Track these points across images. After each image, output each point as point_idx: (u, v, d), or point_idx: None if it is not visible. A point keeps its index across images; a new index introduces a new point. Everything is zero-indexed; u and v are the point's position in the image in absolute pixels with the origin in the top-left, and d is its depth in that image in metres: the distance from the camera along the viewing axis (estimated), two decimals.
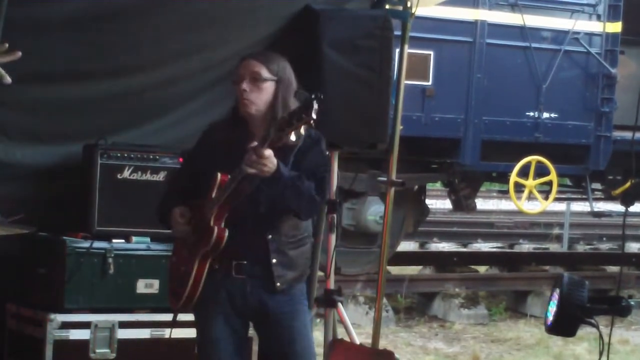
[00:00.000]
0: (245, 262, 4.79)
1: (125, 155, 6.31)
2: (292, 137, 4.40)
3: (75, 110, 6.33)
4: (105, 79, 6.32)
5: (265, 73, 4.82)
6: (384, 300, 9.27)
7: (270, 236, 4.78)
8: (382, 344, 7.10)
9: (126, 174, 6.31)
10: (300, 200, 4.70)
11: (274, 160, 4.51)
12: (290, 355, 4.88)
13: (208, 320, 4.93)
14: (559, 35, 13.49)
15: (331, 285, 6.71)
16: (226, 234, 4.70)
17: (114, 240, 6.22)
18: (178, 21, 6.22)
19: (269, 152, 4.47)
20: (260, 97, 4.81)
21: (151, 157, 6.37)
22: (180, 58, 6.43)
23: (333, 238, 6.69)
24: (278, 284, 4.78)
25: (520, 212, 14.64)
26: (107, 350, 6.06)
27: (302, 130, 4.39)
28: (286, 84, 4.89)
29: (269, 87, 4.83)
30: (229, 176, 4.69)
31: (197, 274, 4.77)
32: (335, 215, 6.73)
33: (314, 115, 4.31)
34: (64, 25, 5.97)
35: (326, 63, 6.49)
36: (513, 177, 13.27)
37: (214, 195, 4.73)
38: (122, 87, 6.38)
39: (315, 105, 4.31)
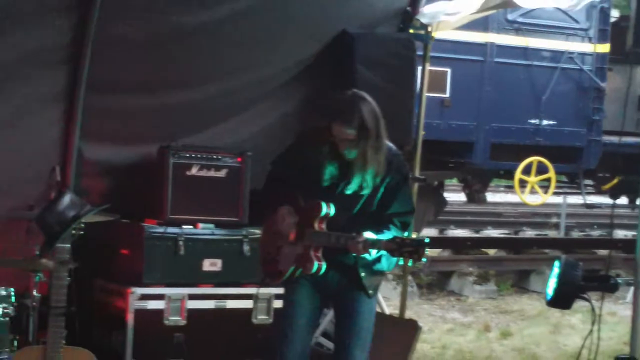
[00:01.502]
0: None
1: (193, 155, 6.31)
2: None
3: (151, 116, 6.35)
4: (176, 91, 6.34)
5: (348, 131, 4.43)
6: (409, 277, 9.28)
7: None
8: (408, 314, 7.09)
9: (194, 170, 6.31)
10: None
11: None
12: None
13: (294, 292, 4.73)
14: (556, 55, 13.44)
15: None
16: (323, 269, 4.51)
17: (183, 226, 6.21)
18: (236, 42, 6.24)
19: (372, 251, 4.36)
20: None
21: (214, 156, 6.36)
22: (238, 73, 6.43)
23: None
24: (370, 291, 4.63)
25: (523, 204, 14.58)
26: (179, 318, 6.07)
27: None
28: (372, 130, 4.47)
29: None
30: (333, 210, 4.49)
31: (289, 275, 4.63)
32: None
33: (424, 260, 4.21)
34: (145, 43, 6.00)
35: (358, 78, 6.50)
36: (517, 174, 13.25)
37: (316, 225, 4.51)
38: (191, 98, 6.39)
39: (427, 252, 4.18)
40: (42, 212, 5.04)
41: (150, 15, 5.87)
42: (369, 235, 4.35)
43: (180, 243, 6.16)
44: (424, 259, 4.22)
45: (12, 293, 5.06)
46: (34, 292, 5.23)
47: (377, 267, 4.55)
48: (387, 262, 4.51)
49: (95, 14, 5.69)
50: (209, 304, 6.19)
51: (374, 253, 4.39)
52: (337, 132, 4.46)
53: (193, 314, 6.11)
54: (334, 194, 4.54)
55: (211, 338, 6.13)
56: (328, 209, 4.50)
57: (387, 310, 6.98)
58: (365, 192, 4.53)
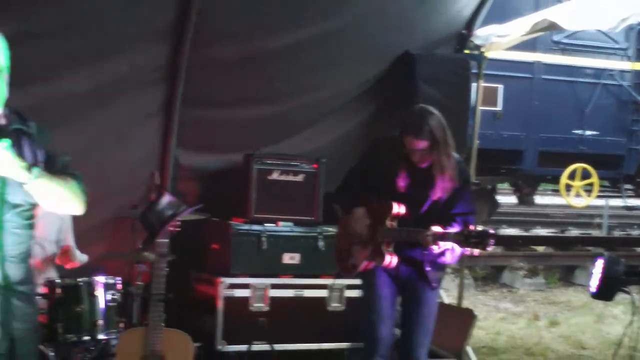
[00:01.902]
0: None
1: (274, 161, 6.34)
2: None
3: (238, 128, 6.38)
4: (260, 105, 6.37)
5: (421, 143, 4.42)
6: (466, 271, 9.22)
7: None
8: (465, 303, 7.05)
9: (275, 175, 6.34)
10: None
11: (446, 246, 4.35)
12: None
13: (373, 280, 4.68)
14: (598, 72, 13.28)
15: None
16: (394, 263, 4.50)
17: (266, 224, 6.24)
18: (313, 62, 6.26)
19: (442, 244, 4.31)
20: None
21: (293, 163, 6.39)
22: (314, 90, 6.44)
23: None
24: (434, 284, 4.62)
25: (569, 206, 14.37)
26: (262, 305, 6.10)
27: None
28: (441, 138, 4.47)
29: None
30: (403, 209, 4.47)
31: (363, 268, 4.63)
32: None
33: (489, 249, 4.19)
34: (233, 64, 6.04)
35: (420, 93, 6.47)
36: (563, 179, 13.09)
37: (388, 222, 4.49)
38: (273, 111, 6.41)
39: (492, 242, 4.13)
40: (144, 211, 5.13)
41: (238, 40, 5.91)
42: (437, 228, 4.34)
43: (263, 239, 6.20)
44: (488, 248, 4.18)
45: (119, 282, 5.13)
46: (138, 281, 5.32)
47: (442, 260, 4.53)
48: (451, 256, 4.48)
49: (189, 38, 5.77)
50: (289, 293, 6.22)
51: (440, 247, 4.35)
52: (409, 144, 4.46)
53: (275, 301, 6.14)
54: (405, 196, 4.53)
55: (290, 322, 6.14)
56: (399, 209, 4.48)
57: (447, 300, 6.95)
58: (443, 196, 4.52)
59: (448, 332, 6.12)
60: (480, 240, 4.13)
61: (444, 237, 4.29)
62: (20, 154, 3.02)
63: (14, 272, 3.08)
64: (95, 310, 4.90)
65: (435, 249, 4.35)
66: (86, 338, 4.85)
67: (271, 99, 6.38)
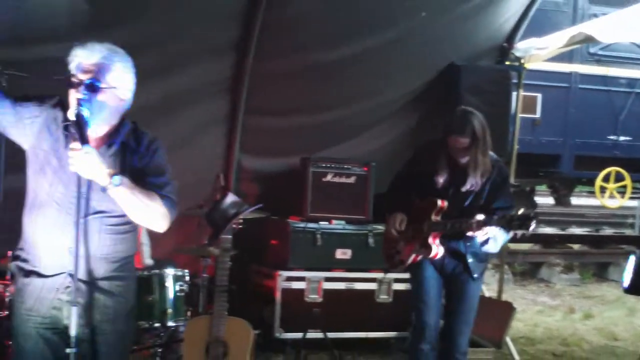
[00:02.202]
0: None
1: (328, 165, 6.36)
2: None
3: (295, 134, 6.42)
4: (316, 113, 6.38)
5: (464, 140, 4.40)
6: (506, 266, 9.11)
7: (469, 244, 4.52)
8: (504, 297, 6.97)
9: (329, 177, 6.36)
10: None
11: (490, 233, 4.25)
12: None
13: (420, 273, 4.65)
14: (632, 82, 12.95)
15: None
16: (441, 253, 4.48)
17: (320, 222, 6.28)
18: (365, 73, 6.24)
19: (487, 229, 4.21)
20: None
21: (345, 166, 6.40)
22: (365, 98, 6.43)
23: None
24: (475, 274, 4.56)
25: (603, 207, 14.12)
26: (317, 296, 6.13)
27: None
28: (482, 136, 4.44)
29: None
30: (446, 204, 4.43)
31: (411, 262, 4.60)
32: None
33: (530, 230, 4.07)
34: (291, 75, 6.08)
35: (463, 102, 6.36)
36: (598, 182, 12.85)
37: (433, 217, 4.47)
38: (327, 119, 6.43)
39: (534, 224, 4.03)
40: (209, 210, 5.13)
41: (296, 53, 5.94)
42: (480, 216, 4.29)
43: (318, 236, 6.22)
44: (530, 229, 4.07)
45: (187, 274, 5.18)
46: (204, 274, 5.36)
47: (485, 249, 4.42)
48: (494, 245, 4.37)
49: (251, 53, 5.81)
50: (341, 285, 6.23)
51: (484, 232, 4.26)
52: (452, 142, 4.43)
53: (328, 293, 6.16)
54: (448, 193, 4.51)
55: (342, 313, 6.16)
56: (442, 204, 4.46)
57: (488, 294, 6.88)
58: (475, 189, 4.49)
59: (489, 323, 6.08)
60: (522, 222, 4.05)
61: (487, 222, 4.23)
62: (114, 163, 3.05)
63: (98, 269, 3.10)
64: (165, 300, 4.97)
65: (480, 235, 4.27)
66: (157, 325, 4.91)
67: (326, 108, 6.39)
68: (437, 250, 4.47)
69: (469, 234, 4.35)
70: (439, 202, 4.47)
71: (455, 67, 6.55)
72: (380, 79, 6.27)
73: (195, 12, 5.33)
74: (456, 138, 4.42)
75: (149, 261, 5.52)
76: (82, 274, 3.05)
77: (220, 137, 6.25)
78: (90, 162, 2.90)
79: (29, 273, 3.14)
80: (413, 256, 4.57)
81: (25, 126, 3.10)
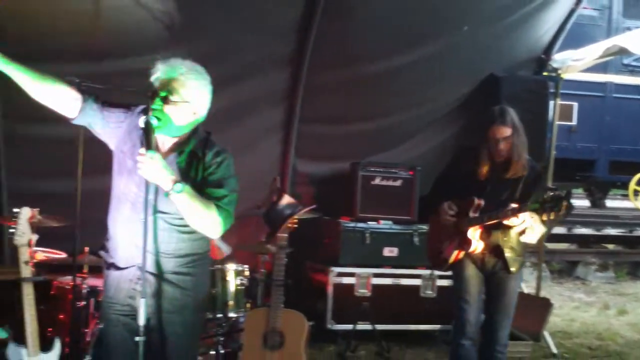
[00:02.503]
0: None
1: (376, 169, 6.35)
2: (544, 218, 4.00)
3: (346, 140, 6.43)
4: (365, 121, 6.38)
5: (507, 130, 4.34)
6: (544, 265, 9.00)
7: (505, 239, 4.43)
8: (542, 293, 6.86)
9: (377, 180, 6.34)
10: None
11: (525, 220, 4.13)
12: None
13: (462, 271, 4.57)
14: None
15: None
16: (480, 248, 4.40)
17: (369, 222, 6.26)
18: (412, 83, 6.24)
19: (522, 216, 4.08)
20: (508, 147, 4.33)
21: (392, 170, 6.38)
22: (411, 107, 6.42)
23: None
24: (512, 268, 4.45)
25: (636, 209, 13.84)
26: (366, 291, 6.11)
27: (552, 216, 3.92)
28: (520, 129, 4.40)
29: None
30: (483, 201, 4.33)
31: (454, 259, 4.52)
32: None
33: (563, 211, 3.88)
34: (342, 86, 6.08)
35: None
36: (632, 186, 12.65)
37: (471, 214, 4.38)
38: (376, 126, 6.43)
39: (566, 204, 3.85)
40: (267, 210, 5.17)
41: (347, 65, 5.96)
42: (514, 204, 4.20)
43: (367, 235, 6.21)
44: (565, 210, 3.89)
45: (247, 269, 5.19)
46: (262, 269, 5.39)
47: (523, 239, 4.31)
48: (532, 234, 4.23)
49: (305, 65, 5.84)
50: (388, 281, 6.21)
51: (519, 224, 4.15)
52: (494, 133, 4.35)
53: (376, 287, 6.14)
54: (486, 189, 4.41)
55: (389, 306, 6.14)
56: (479, 201, 4.38)
57: (526, 290, 6.79)
58: (512, 181, 4.37)
59: (528, 318, 6.03)
60: (555, 203, 3.91)
61: (522, 208, 4.10)
62: (180, 171, 3.08)
63: (165, 264, 3.13)
64: (227, 293, 4.98)
65: (516, 223, 4.17)
66: (219, 315, 4.93)
67: (374, 116, 6.38)
68: (477, 244, 4.40)
69: (505, 222, 4.23)
70: (476, 199, 4.39)
71: (495, 77, 6.50)
72: (426, 89, 6.25)
73: (256, 29, 5.39)
74: (498, 127, 4.33)
75: (227, 249, 5.54)
76: (150, 268, 3.10)
77: (277, 143, 6.29)
78: (154, 168, 2.93)
79: (109, 265, 3.21)
80: (455, 253, 4.51)
81: (111, 130, 3.18)
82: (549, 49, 6.74)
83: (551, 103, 6.82)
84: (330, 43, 5.77)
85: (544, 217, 3.96)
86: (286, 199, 5.07)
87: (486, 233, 4.42)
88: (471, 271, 4.53)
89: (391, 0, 5.73)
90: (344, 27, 5.76)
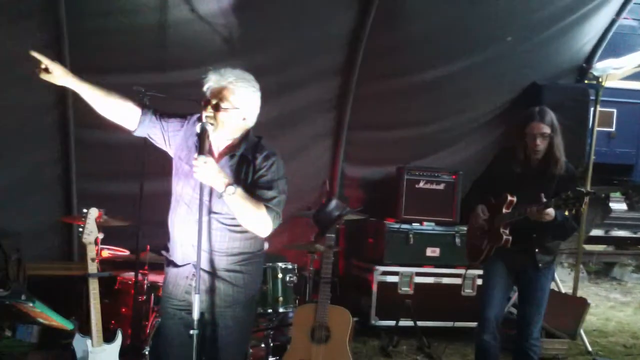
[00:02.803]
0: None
1: (421, 173, 6.29)
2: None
3: (392, 146, 6.39)
4: (410, 128, 6.35)
5: (546, 129, 4.22)
6: (581, 266, 8.82)
7: (535, 236, 4.31)
8: (579, 293, 6.72)
9: (421, 184, 6.29)
10: (566, 234, 4.28)
11: (552, 215, 4.02)
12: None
13: (490, 270, 4.51)
14: None
15: None
16: (510, 242, 4.28)
17: (413, 224, 6.22)
18: (455, 92, 6.18)
19: (548, 211, 3.99)
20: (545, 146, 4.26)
21: (436, 174, 6.32)
22: (455, 115, 6.35)
23: None
24: (540, 264, 4.35)
25: None
26: (408, 289, 6.07)
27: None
28: (558, 130, 4.28)
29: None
30: (515, 198, 4.23)
31: (486, 255, 4.45)
32: None
33: (584, 207, 3.84)
34: (389, 95, 6.08)
35: None
36: None
37: (504, 210, 4.29)
38: (421, 132, 6.39)
39: (587, 200, 3.80)
40: (316, 212, 5.14)
41: (395, 76, 5.94)
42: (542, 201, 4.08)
43: (411, 235, 6.17)
44: (583, 205, 3.85)
45: (296, 267, 5.19)
46: (310, 267, 5.34)
47: (554, 235, 4.24)
48: (562, 232, 4.20)
49: (355, 76, 5.83)
50: (430, 280, 6.16)
51: (545, 214, 4.01)
52: (532, 128, 4.23)
53: (418, 286, 6.10)
54: (522, 185, 4.28)
55: (430, 304, 6.09)
56: (512, 197, 4.27)
57: (564, 290, 6.67)
58: (547, 180, 4.24)
59: (565, 316, 5.93)
60: (576, 199, 3.82)
61: (548, 204, 4.00)
62: (232, 173, 3.09)
63: (218, 262, 3.13)
64: (277, 289, 4.96)
65: (541, 217, 4.04)
66: (269, 310, 4.93)
67: (419, 123, 6.35)
68: (507, 238, 4.29)
69: (533, 218, 4.08)
70: (509, 196, 4.29)
71: (537, 85, 6.40)
72: (469, 97, 6.19)
73: (309, 42, 5.41)
74: (537, 124, 4.22)
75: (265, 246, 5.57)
76: (205, 265, 3.10)
77: (327, 148, 6.29)
78: (208, 171, 2.94)
79: (169, 262, 3.23)
80: (487, 248, 4.43)
81: (169, 138, 3.21)
82: (590, 58, 6.63)
83: (591, 110, 6.69)
84: (379, 54, 5.75)
85: (566, 213, 3.90)
86: (334, 201, 5.05)
87: (516, 229, 4.31)
88: (499, 270, 4.44)
89: (439, 13, 5.68)
90: (393, 39, 5.73)
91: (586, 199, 3.83)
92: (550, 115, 4.28)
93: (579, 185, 4.41)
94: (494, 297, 4.46)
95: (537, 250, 4.34)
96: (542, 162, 4.29)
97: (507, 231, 4.31)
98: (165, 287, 3.26)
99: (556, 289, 6.37)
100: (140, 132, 3.23)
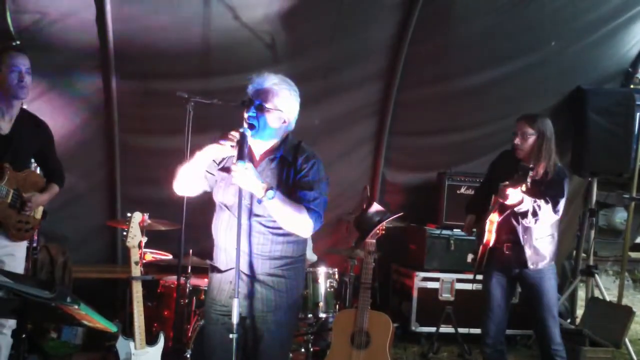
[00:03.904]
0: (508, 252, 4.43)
1: (462, 179, 6.24)
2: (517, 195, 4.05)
3: (433, 151, 6.36)
4: (451, 134, 6.30)
5: (529, 130, 4.36)
6: (626, 273, 8.64)
7: (525, 236, 4.36)
8: (624, 301, 6.59)
9: (462, 190, 6.23)
10: (541, 219, 4.25)
11: (517, 198, 4.09)
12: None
13: (486, 283, 4.61)
14: None
15: (590, 262, 6.35)
16: (492, 240, 4.36)
17: (454, 230, 6.15)
18: (498, 98, 6.12)
19: (509, 191, 4.07)
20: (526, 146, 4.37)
21: (477, 180, 6.21)
22: (495, 121, 6.22)
23: (592, 233, 6.33)
24: (530, 263, 4.37)
25: None
26: (449, 295, 6.03)
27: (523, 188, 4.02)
28: (547, 137, 4.35)
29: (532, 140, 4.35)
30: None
31: (479, 257, 4.54)
32: (594, 218, 6.38)
33: (528, 181, 4.00)
34: (431, 101, 6.05)
35: (590, 122, 6.19)
36: None
37: (490, 211, 4.38)
38: (462, 138, 6.33)
39: (531, 173, 4.02)
40: (357, 217, 5.14)
41: (436, 82, 5.91)
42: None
43: (452, 241, 6.13)
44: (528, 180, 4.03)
45: (336, 272, 5.19)
46: (351, 272, 5.38)
47: (526, 223, 4.26)
48: (533, 219, 4.21)
49: (396, 82, 5.82)
50: (468, 286, 6.03)
51: (508, 195, 4.09)
52: (516, 127, 4.40)
53: (459, 292, 6.05)
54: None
55: (471, 311, 5.97)
56: (496, 197, 4.29)
57: (608, 298, 6.54)
58: (537, 182, 4.27)
59: (609, 325, 5.81)
60: (523, 173, 4.02)
61: (504, 186, 4.10)
62: (272, 175, 3.12)
63: (259, 266, 3.14)
64: (318, 294, 4.99)
65: (511, 201, 4.11)
66: (310, 315, 4.96)
67: (461, 129, 6.30)
68: (489, 236, 4.38)
69: (504, 202, 4.14)
70: (494, 196, 4.36)
71: (582, 91, 6.30)
72: (512, 102, 6.10)
73: (351, 48, 5.43)
74: (521, 122, 4.38)
75: (312, 257, 5.60)
76: (245, 269, 3.11)
77: (368, 154, 6.28)
78: (246, 177, 2.95)
79: (213, 268, 3.26)
80: (480, 249, 4.47)
81: (213, 173, 3.27)
82: (636, 62, 6.48)
83: (637, 115, 6.56)
84: (420, 61, 5.74)
85: (523, 188, 4.04)
86: (375, 207, 5.03)
87: (502, 227, 4.37)
88: (494, 282, 4.52)
89: (483, 18, 5.63)
90: (435, 46, 5.70)
91: (531, 173, 3.99)
92: (542, 122, 4.37)
93: (560, 187, 4.41)
94: (493, 308, 4.55)
95: (524, 246, 4.35)
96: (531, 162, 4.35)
97: (492, 228, 4.36)
98: (209, 292, 3.28)
99: (601, 297, 6.25)
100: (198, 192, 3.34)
